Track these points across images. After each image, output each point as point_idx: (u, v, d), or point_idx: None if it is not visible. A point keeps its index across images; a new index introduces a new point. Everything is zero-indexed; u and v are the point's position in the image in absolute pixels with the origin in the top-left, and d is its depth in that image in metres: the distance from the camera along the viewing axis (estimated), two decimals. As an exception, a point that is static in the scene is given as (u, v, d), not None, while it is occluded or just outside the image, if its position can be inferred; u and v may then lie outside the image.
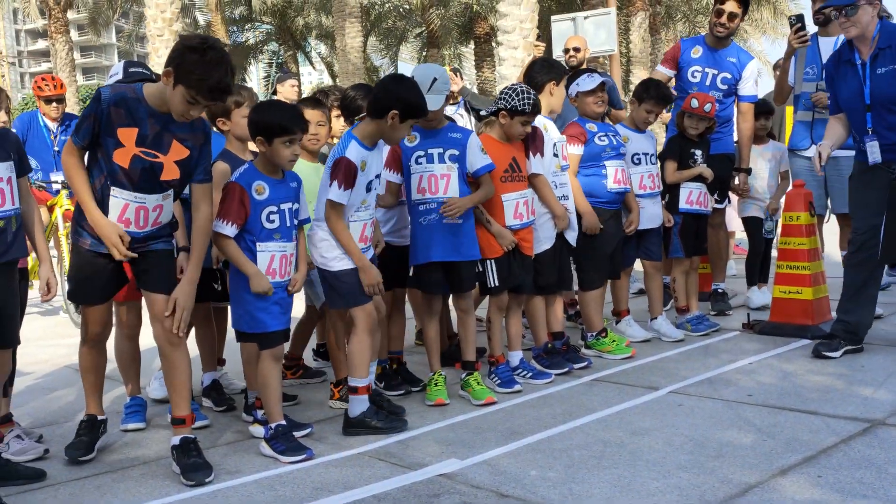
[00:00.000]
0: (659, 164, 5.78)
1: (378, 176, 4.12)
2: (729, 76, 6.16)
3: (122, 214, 3.51)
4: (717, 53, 6.21)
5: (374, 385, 4.66)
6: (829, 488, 3.08)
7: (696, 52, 6.28)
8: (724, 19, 6.11)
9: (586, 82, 5.30)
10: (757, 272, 6.60)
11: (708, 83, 6.17)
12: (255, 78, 49.27)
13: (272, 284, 3.75)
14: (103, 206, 3.50)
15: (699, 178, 5.81)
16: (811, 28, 5.95)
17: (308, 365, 5.20)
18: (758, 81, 6.31)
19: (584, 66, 7.07)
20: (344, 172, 3.85)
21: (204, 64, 3.26)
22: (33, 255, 3.59)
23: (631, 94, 5.80)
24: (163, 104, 3.43)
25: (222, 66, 3.30)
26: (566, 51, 7.38)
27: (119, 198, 3.49)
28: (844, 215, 5.88)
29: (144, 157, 3.45)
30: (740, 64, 6.18)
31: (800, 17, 5.88)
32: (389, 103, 3.89)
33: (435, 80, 4.31)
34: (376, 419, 4.00)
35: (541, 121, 4.91)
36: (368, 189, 4.03)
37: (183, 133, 3.52)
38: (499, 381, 4.61)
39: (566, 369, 4.91)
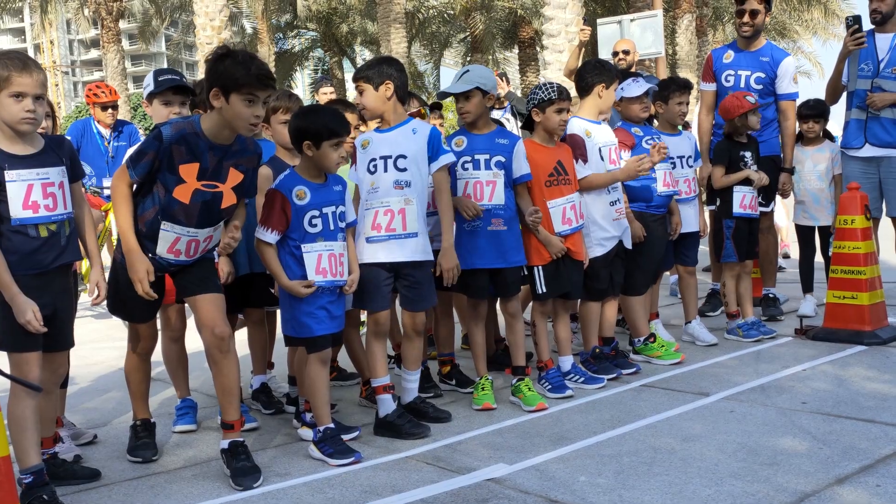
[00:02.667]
0: (697, 168, 5.72)
1: (385, 158, 4.07)
2: (763, 75, 6.07)
3: (173, 246, 3.60)
4: (748, 54, 6.14)
5: (445, 382, 4.76)
6: (888, 498, 3.00)
7: (728, 56, 6.22)
8: (746, 18, 6.07)
9: (632, 88, 5.24)
10: (811, 279, 6.44)
11: (742, 85, 6.10)
12: (301, 85, 49.78)
13: (324, 283, 3.76)
14: (153, 236, 3.57)
15: (747, 181, 5.72)
16: (867, 25, 5.82)
17: (342, 367, 5.22)
18: (796, 78, 6.18)
19: (634, 69, 7.03)
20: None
21: (238, 63, 3.41)
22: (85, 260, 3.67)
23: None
24: (220, 134, 3.52)
25: (253, 57, 3.49)
26: (615, 54, 7.32)
27: (170, 231, 3.57)
28: None
29: (205, 189, 3.54)
30: (774, 62, 6.08)
31: (857, 19, 5.76)
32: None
33: (468, 70, 4.44)
34: (400, 421, 4.06)
35: (583, 126, 4.87)
36: (372, 171, 4.05)
37: (238, 158, 3.62)
38: (549, 387, 4.58)
39: (615, 374, 4.86)
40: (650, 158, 4.83)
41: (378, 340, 4.19)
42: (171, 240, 3.57)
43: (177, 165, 3.47)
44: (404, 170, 4.10)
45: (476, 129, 4.46)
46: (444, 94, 4.67)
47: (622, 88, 5.24)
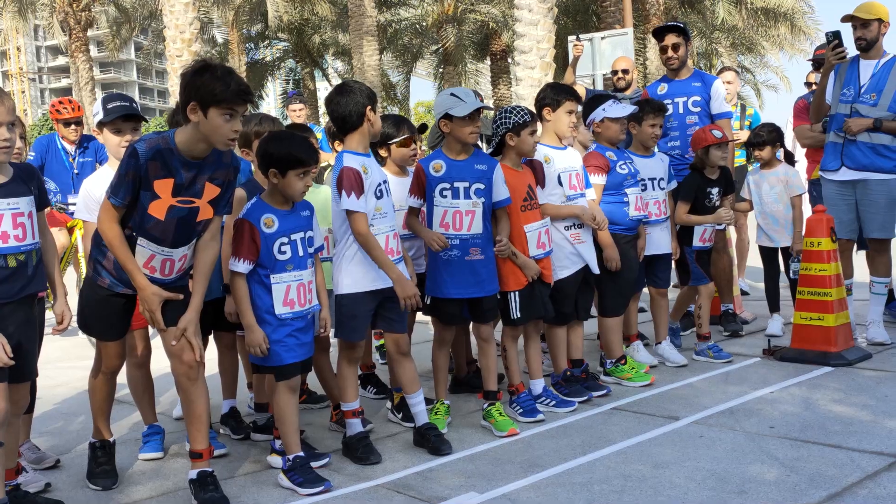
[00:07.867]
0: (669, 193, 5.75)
1: (385, 182, 4.09)
2: (698, 98, 6.28)
3: (148, 262, 3.54)
4: (680, 83, 6.38)
5: (392, 413, 4.70)
6: (855, 528, 3.03)
7: (663, 88, 6.45)
8: (670, 52, 6.32)
9: (615, 109, 5.20)
10: (777, 298, 6.50)
11: (681, 111, 6.29)
12: (273, 95, 49.57)
13: (291, 314, 3.74)
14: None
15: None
16: (851, 51, 5.86)
17: (312, 390, 5.18)
18: (728, 98, 6.40)
19: (632, 89, 7.13)
20: (348, 180, 3.88)
21: (217, 77, 3.35)
22: None
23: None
24: (195, 148, 3.45)
25: (232, 72, 3.43)
26: (614, 72, 7.38)
27: (146, 248, 3.52)
28: (876, 240, 5.80)
29: (181, 205, 3.48)
30: (706, 85, 6.30)
31: (836, 34, 5.79)
32: (359, 108, 3.98)
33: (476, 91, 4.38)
34: (358, 444, 4.06)
35: (542, 152, 4.82)
36: (379, 196, 4.03)
37: (214, 172, 3.55)
38: (521, 410, 4.57)
39: (586, 397, 4.87)
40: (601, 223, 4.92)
41: (352, 366, 4.19)
42: (147, 256, 3.53)
43: (151, 181, 3.41)
44: (389, 194, 4.13)
45: (454, 153, 4.39)
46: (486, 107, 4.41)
47: (604, 109, 5.22)
